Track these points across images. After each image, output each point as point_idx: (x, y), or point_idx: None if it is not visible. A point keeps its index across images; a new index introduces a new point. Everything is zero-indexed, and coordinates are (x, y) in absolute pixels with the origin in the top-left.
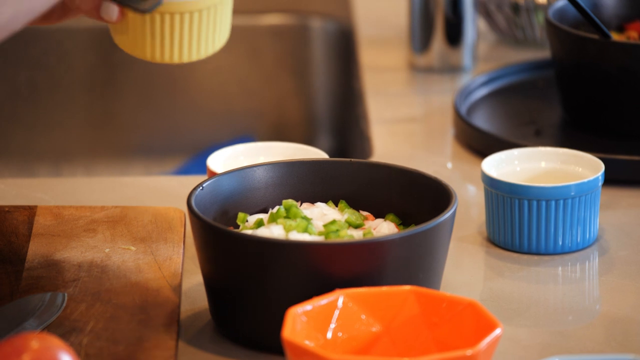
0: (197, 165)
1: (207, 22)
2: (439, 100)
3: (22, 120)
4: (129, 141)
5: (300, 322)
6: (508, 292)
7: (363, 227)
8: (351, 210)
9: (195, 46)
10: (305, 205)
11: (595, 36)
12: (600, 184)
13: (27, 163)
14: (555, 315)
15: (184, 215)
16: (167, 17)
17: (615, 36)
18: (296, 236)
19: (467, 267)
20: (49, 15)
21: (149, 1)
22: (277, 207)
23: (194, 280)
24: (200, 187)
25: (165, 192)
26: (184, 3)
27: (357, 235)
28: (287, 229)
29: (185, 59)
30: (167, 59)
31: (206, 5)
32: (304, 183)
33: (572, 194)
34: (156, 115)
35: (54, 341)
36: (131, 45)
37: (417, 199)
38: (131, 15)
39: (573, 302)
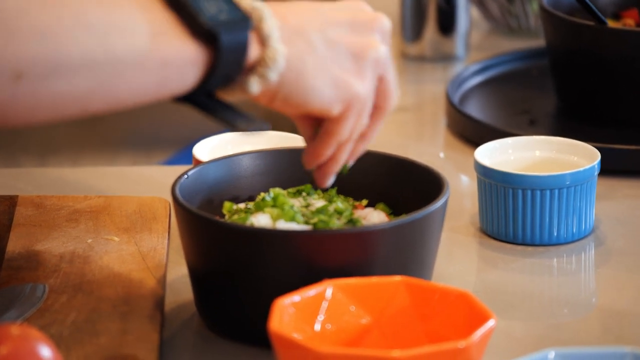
0: (185, 157)
1: None
2: (431, 89)
3: None
4: (116, 133)
5: (287, 313)
6: (501, 284)
7: (352, 216)
8: (341, 199)
9: None
10: None
11: (591, 23)
12: (596, 173)
13: (12, 155)
14: (550, 307)
15: (169, 205)
16: None
17: (611, 23)
18: (283, 225)
19: (459, 258)
20: None
21: (249, 124)
22: (263, 196)
23: (178, 272)
24: (185, 176)
25: (150, 182)
26: None
27: (346, 224)
28: (274, 218)
29: None
30: None
31: None
32: (291, 171)
33: (568, 183)
34: (144, 107)
35: (33, 333)
36: None
37: (408, 187)
38: None
39: (568, 294)
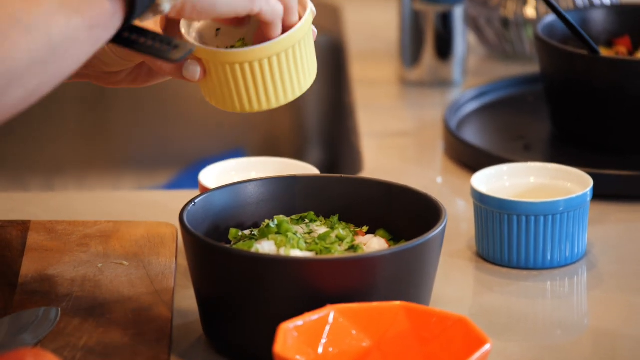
0: (189, 178)
1: (288, 65)
2: (430, 114)
3: (14, 134)
4: (120, 154)
5: (291, 337)
6: (497, 307)
7: (354, 242)
8: (342, 226)
9: (281, 90)
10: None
11: (583, 52)
12: (588, 199)
13: (19, 176)
14: (544, 330)
15: (176, 230)
16: (247, 66)
17: (603, 51)
18: (287, 252)
19: (456, 282)
20: (135, 78)
21: (180, 50)
22: (268, 223)
23: (186, 295)
24: (193, 203)
25: (157, 206)
26: (259, 49)
27: (347, 251)
28: (278, 245)
29: (274, 104)
30: (256, 108)
31: (283, 48)
32: (296, 199)
33: (561, 209)
34: (148, 128)
35: (48, 356)
36: (220, 100)
37: (408, 214)
38: (213, 72)
39: (562, 316)
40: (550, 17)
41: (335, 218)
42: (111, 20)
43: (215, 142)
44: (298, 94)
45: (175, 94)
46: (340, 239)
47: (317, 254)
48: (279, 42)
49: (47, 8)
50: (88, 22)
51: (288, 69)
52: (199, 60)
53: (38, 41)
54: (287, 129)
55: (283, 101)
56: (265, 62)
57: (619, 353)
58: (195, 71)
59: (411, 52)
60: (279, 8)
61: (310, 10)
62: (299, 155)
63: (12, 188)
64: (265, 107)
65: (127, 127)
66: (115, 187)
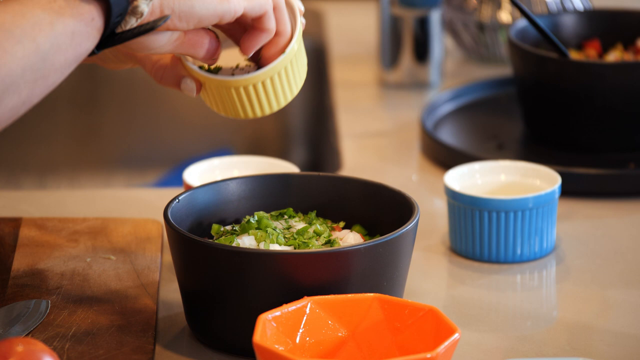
0: (177, 176)
1: (281, 81)
2: (407, 115)
3: (8, 134)
4: (111, 154)
5: (270, 327)
6: (469, 299)
7: (330, 237)
8: (320, 221)
9: (274, 100)
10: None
11: (554, 55)
12: (557, 196)
13: (12, 175)
14: (514, 320)
15: (162, 226)
16: (242, 89)
17: (574, 54)
18: (267, 246)
19: (431, 275)
20: (116, 64)
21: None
22: (248, 219)
23: (170, 288)
24: (177, 200)
25: (144, 204)
26: (249, 78)
27: (324, 245)
28: (258, 240)
29: (268, 112)
30: (250, 116)
31: (276, 71)
32: (275, 196)
33: (530, 205)
34: (138, 129)
35: (38, 345)
36: (217, 108)
37: (382, 210)
38: (208, 89)
39: (531, 308)
40: (523, 22)
41: (313, 214)
42: (90, 25)
43: (204, 142)
44: (290, 98)
45: (165, 96)
46: (318, 234)
47: (295, 248)
48: (269, 70)
49: (32, 18)
50: (69, 29)
51: (281, 85)
52: (195, 79)
53: (28, 49)
54: (272, 130)
55: (277, 108)
56: (259, 85)
57: (586, 343)
58: (192, 88)
59: (390, 55)
60: (266, 2)
61: (300, 25)
62: (283, 155)
63: (6, 187)
64: (260, 115)
65: (118, 128)
66: (106, 187)
